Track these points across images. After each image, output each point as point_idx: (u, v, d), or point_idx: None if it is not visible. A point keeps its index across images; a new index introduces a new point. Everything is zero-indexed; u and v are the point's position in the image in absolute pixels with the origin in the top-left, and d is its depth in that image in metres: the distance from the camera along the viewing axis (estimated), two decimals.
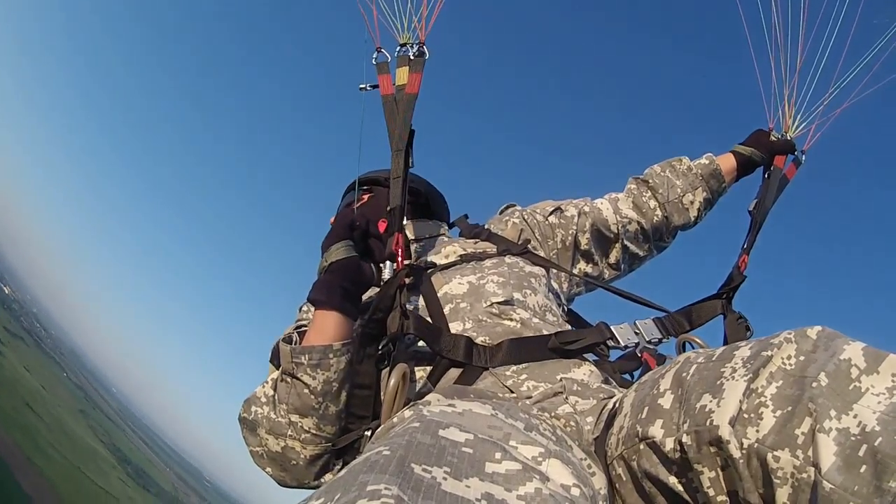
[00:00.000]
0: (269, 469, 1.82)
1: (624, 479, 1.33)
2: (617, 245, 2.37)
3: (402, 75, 2.12)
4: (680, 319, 2.05)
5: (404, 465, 0.99)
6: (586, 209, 2.37)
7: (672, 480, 1.21)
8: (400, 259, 1.87)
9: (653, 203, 2.39)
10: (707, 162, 2.43)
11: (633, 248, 2.40)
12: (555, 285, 2.22)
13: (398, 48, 2.18)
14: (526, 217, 2.37)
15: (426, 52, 2.16)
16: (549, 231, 2.34)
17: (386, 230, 1.92)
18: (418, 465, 1.00)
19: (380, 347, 1.76)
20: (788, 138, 2.42)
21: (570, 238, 2.33)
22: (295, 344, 1.75)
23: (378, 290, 1.82)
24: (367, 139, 2.19)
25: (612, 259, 2.40)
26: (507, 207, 2.49)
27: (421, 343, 1.77)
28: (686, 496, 1.20)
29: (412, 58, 2.15)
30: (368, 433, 1.72)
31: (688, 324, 2.04)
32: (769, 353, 1.14)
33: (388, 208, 1.95)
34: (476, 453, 1.07)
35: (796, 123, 2.43)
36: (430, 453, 1.04)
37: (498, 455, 1.08)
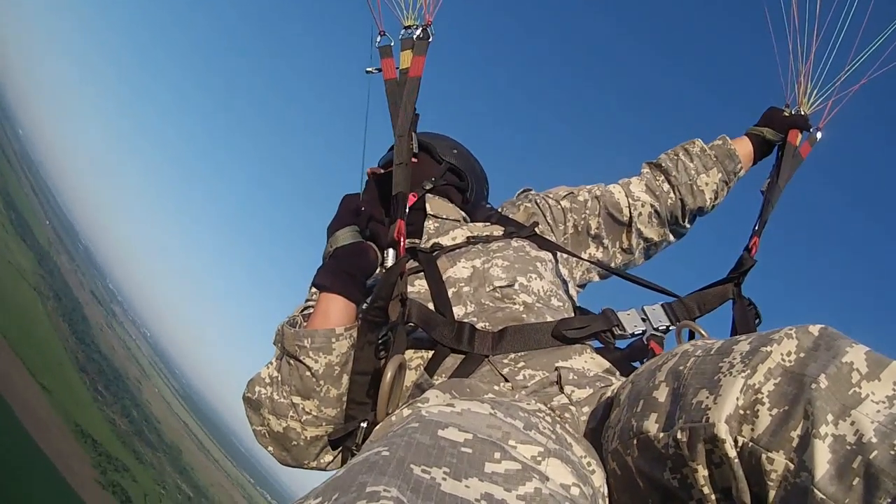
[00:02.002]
0: (270, 448, 1.86)
1: (619, 473, 1.30)
2: (630, 229, 2.35)
3: (405, 59, 2.10)
4: (690, 305, 1.99)
5: (403, 466, 0.98)
6: (598, 193, 2.36)
7: (666, 476, 1.18)
8: (402, 246, 1.88)
9: (666, 186, 2.36)
10: (721, 143, 2.40)
11: (646, 232, 2.36)
12: (563, 271, 2.20)
13: (402, 31, 2.14)
14: (538, 201, 2.37)
15: (431, 35, 2.13)
16: (560, 215, 2.33)
17: (388, 216, 1.95)
18: (417, 466, 0.99)
19: (381, 335, 1.77)
20: (802, 113, 2.37)
21: (581, 222, 2.33)
22: (299, 327, 1.81)
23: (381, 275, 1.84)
24: (377, 121, 2.16)
25: (624, 244, 2.37)
26: (522, 192, 2.49)
27: (423, 330, 1.78)
28: (680, 493, 1.18)
29: (416, 40, 2.12)
30: (364, 424, 1.74)
31: (697, 309, 1.99)
32: (768, 348, 1.11)
33: (393, 194, 1.96)
34: (475, 453, 1.08)
35: (812, 100, 2.36)
36: (430, 454, 1.04)
37: (497, 455, 1.08)
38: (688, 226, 2.44)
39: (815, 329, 1.12)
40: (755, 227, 2.18)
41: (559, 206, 2.35)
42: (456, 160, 2.41)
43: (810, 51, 2.25)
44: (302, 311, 1.99)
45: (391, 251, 1.89)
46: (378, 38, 2.15)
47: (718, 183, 2.37)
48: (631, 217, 2.33)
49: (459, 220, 2.26)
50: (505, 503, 0.98)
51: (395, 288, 1.75)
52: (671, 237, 2.44)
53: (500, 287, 1.90)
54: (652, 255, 2.46)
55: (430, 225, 2.19)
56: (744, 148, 2.42)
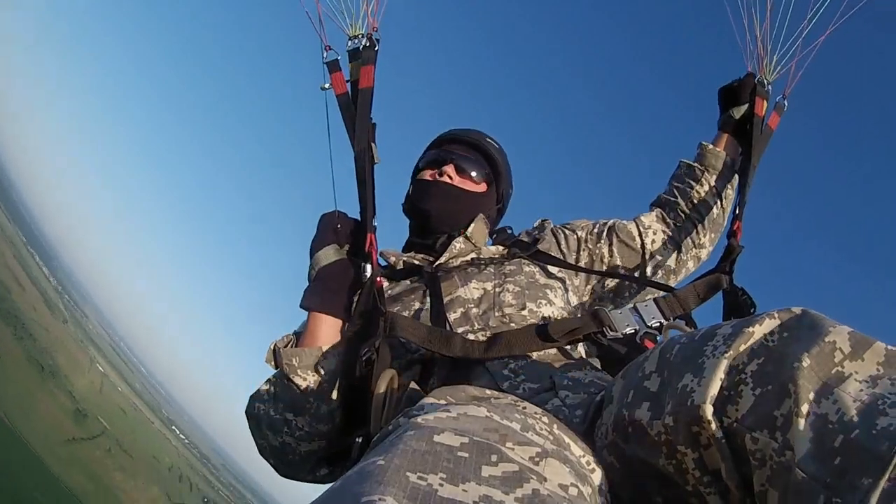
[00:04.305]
0: (271, 461, 1.95)
1: (617, 466, 1.31)
2: (643, 256, 2.35)
3: (353, 70, 2.07)
4: (683, 297, 1.96)
5: (399, 474, 0.97)
6: (611, 224, 2.38)
7: (662, 462, 1.19)
8: (374, 259, 1.89)
9: (672, 214, 2.39)
10: (699, 150, 2.41)
11: (661, 259, 2.36)
12: (573, 298, 2.21)
13: (348, 42, 2.10)
14: (555, 231, 2.37)
15: (377, 42, 2.09)
16: (574, 244, 2.34)
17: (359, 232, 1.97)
18: (413, 473, 0.97)
19: (365, 350, 1.75)
20: (766, 80, 2.33)
21: (596, 252, 2.33)
22: (289, 346, 1.89)
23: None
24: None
25: (639, 273, 2.37)
26: (540, 223, 2.49)
27: (410, 342, 1.79)
28: (676, 478, 1.19)
29: (363, 50, 2.08)
30: (359, 440, 1.76)
31: (692, 302, 1.97)
32: (750, 328, 1.12)
33: (360, 210, 1.99)
34: (472, 457, 1.05)
35: (774, 65, 2.27)
36: (426, 460, 1.02)
37: (494, 457, 1.06)
38: (706, 242, 2.40)
39: (797, 309, 1.13)
40: (735, 210, 2.17)
41: (575, 236, 2.35)
42: (506, 202, 2.43)
43: (766, 8, 2.16)
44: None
45: (368, 266, 1.91)
46: (325, 54, 2.08)
47: (714, 185, 2.36)
48: (643, 244, 2.34)
49: (481, 246, 2.27)
50: None
51: (371, 302, 1.79)
52: (690, 263, 2.42)
53: (510, 313, 1.92)
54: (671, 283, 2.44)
55: (457, 244, 2.17)
56: (724, 142, 2.40)
